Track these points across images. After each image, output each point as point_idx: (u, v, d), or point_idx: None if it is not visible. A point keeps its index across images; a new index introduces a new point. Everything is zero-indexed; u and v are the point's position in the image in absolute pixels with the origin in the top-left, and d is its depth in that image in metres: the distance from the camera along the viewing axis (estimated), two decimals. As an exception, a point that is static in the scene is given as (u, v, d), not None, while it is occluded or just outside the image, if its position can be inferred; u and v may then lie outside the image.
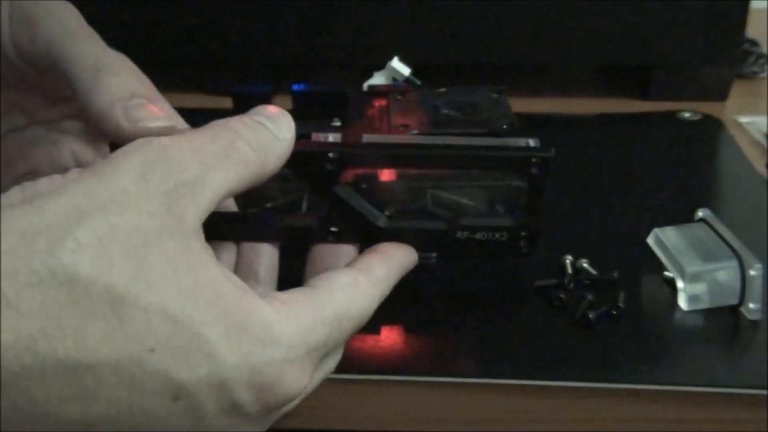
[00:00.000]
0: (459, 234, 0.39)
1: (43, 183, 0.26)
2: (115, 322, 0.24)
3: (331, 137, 0.35)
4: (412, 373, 0.39)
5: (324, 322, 0.29)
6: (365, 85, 0.59)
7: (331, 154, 0.35)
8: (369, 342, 0.40)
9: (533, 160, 0.37)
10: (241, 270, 0.36)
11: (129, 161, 0.27)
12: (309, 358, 0.29)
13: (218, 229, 0.35)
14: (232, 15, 0.64)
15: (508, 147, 0.37)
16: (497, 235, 0.39)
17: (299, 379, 0.28)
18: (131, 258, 0.25)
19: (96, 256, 0.24)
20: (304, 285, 0.32)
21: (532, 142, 0.38)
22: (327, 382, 0.39)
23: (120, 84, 0.32)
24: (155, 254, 0.25)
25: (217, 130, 0.30)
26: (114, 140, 0.31)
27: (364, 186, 0.45)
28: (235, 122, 0.30)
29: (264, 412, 0.28)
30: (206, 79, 0.66)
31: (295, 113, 0.54)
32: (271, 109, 0.32)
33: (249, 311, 0.27)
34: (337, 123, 0.52)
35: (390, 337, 0.41)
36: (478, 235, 0.39)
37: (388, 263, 0.34)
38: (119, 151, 0.27)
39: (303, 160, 0.34)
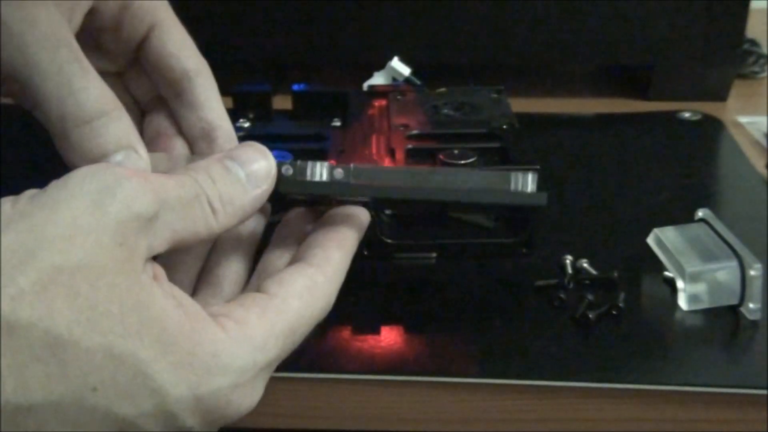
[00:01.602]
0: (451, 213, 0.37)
1: None
2: (56, 365, 0.24)
3: (318, 168, 0.34)
4: (412, 373, 0.39)
5: (277, 337, 0.29)
6: (365, 85, 0.59)
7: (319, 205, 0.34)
8: (369, 342, 0.40)
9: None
10: (206, 278, 0.34)
11: (83, 189, 0.26)
12: (260, 376, 0.29)
13: None
14: (232, 15, 0.64)
15: (502, 192, 0.35)
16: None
17: (249, 399, 0.28)
18: (75, 298, 0.25)
19: (37, 300, 0.24)
20: (260, 288, 0.31)
21: (530, 181, 0.36)
22: (327, 382, 0.39)
23: (90, 140, 0.30)
24: (101, 291, 0.25)
25: (185, 179, 0.29)
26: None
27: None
28: (203, 174, 0.29)
29: (213, 427, 0.28)
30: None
31: (295, 113, 0.54)
32: (251, 153, 0.31)
33: (197, 342, 0.27)
34: (337, 123, 0.52)
35: (390, 337, 0.41)
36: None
37: (344, 246, 0.33)
38: (77, 174, 0.26)
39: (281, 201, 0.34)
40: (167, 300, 0.27)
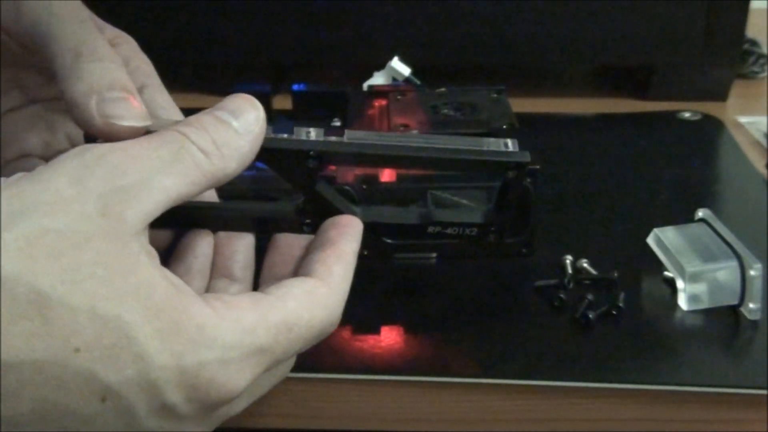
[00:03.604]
0: (431, 229, 0.39)
1: None
2: (40, 322, 0.24)
3: (313, 133, 0.35)
4: (412, 373, 0.39)
5: (269, 326, 0.29)
6: (365, 85, 0.59)
7: (311, 152, 0.34)
8: (369, 342, 0.40)
9: (509, 164, 0.37)
10: (217, 267, 0.35)
11: (65, 166, 0.27)
12: (248, 360, 0.28)
13: (191, 217, 0.35)
14: (232, 15, 0.64)
15: (485, 151, 0.37)
16: (467, 231, 0.39)
17: (234, 381, 0.28)
18: (59, 258, 0.25)
19: (22, 256, 0.24)
20: (259, 288, 0.31)
21: (510, 144, 0.38)
22: (328, 382, 0.39)
23: (100, 72, 0.31)
24: (86, 255, 0.25)
25: (167, 135, 0.29)
26: (85, 132, 0.31)
27: (364, 187, 0.45)
28: (188, 125, 0.30)
29: (200, 412, 0.28)
30: (206, 79, 0.66)
31: (295, 113, 0.54)
32: (238, 101, 0.32)
33: (183, 312, 0.27)
34: (337, 123, 0.52)
35: (390, 337, 0.41)
36: (450, 230, 0.39)
37: (345, 260, 0.33)
38: (59, 157, 0.27)
39: (280, 157, 0.34)
40: (155, 270, 0.27)
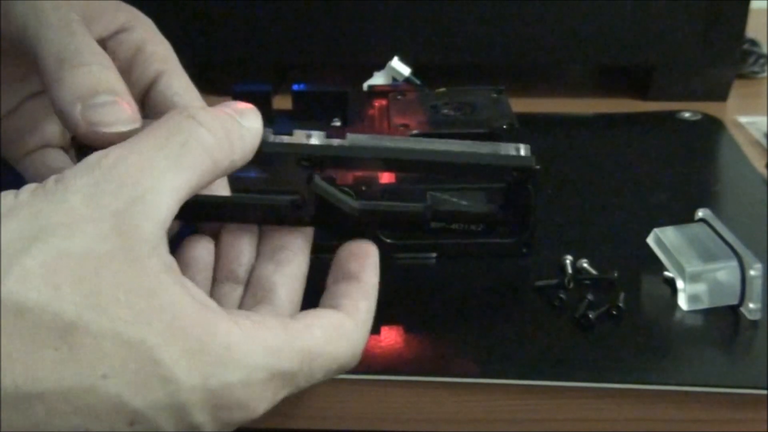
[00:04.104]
0: (434, 224, 0.38)
1: None
2: (66, 350, 0.24)
3: (314, 137, 0.35)
4: (412, 373, 0.39)
5: (293, 350, 0.29)
6: (365, 85, 0.59)
7: (304, 162, 0.34)
8: (369, 342, 0.40)
9: (513, 172, 0.37)
10: (221, 270, 0.35)
11: (77, 183, 0.26)
12: (271, 383, 0.28)
13: (194, 212, 0.35)
14: (232, 15, 0.64)
15: (488, 155, 0.36)
16: (472, 227, 0.38)
17: (257, 402, 0.28)
18: (81, 283, 0.25)
19: (44, 283, 0.24)
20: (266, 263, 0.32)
21: (522, 149, 0.37)
22: (328, 382, 0.39)
23: (83, 77, 0.30)
24: (106, 278, 0.25)
25: (173, 124, 0.29)
26: (73, 137, 0.31)
27: (363, 188, 0.45)
28: (197, 108, 0.30)
29: (222, 428, 0.28)
30: (207, 79, 0.66)
31: (295, 113, 0.54)
32: (240, 104, 0.32)
33: (209, 330, 0.27)
34: (337, 123, 0.52)
35: (390, 337, 0.41)
36: (454, 226, 0.38)
37: (369, 296, 0.34)
38: (69, 172, 0.27)
39: (275, 161, 0.34)
40: (177, 287, 0.27)
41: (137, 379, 0.25)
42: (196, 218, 0.36)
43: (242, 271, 0.35)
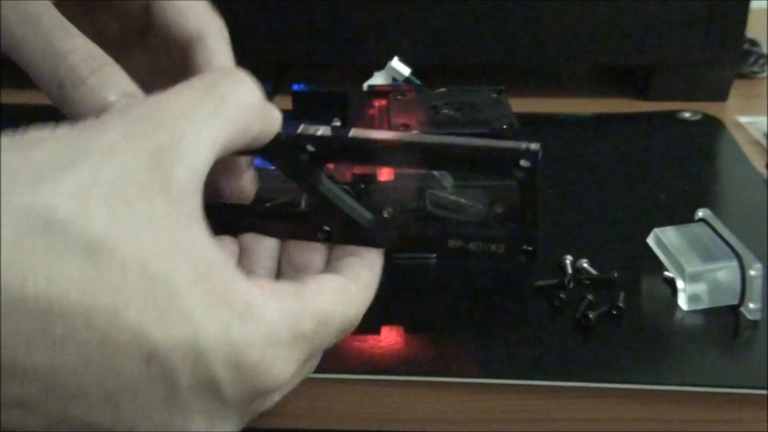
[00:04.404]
0: (452, 243, 0.37)
1: (33, 131, 0.26)
2: (90, 269, 0.24)
3: (321, 130, 0.35)
4: (412, 373, 0.39)
5: (312, 314, 0.28)
6: (365, 85, 0.59)
7: (309, 147, 0.34)
8: (369, 342, 0.40)
9: (520, 162, 0.36)
10: (243, 261, 0.35)
11: (117, 119, 0.26)
12: (295, 346, 0.28)
13: (223, 217, 0.35)
14: (232, 15, 0.64)
15: (490, 146, 0.36)
16: (493, 247, 0.37)
17: (283, 367, 0.27)
18: (113, 208, 0.24)
19: (76, 201, 0.24)
20: (288, 279, 0.31)
21: (533, 146, 0.36)
22: (327, 382, 0.39)
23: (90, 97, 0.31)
24: (139, 209, 0.25)
25: (213, 77, 0.29)
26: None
27: (362, 185, 0.45)
28: (236, 70, 0.30)
29: (242, 401, 0.27)
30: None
31: (295, 113, 0.54)
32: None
33: (232, 285, 0.26)
34: (337, 123, 0.52)
35: (390, 337, 0.41)
36: (472, 246, 0.37)
37: (372, 269, 0.34)
38: (108, 113, 0.27)
39: (280, 148, 0.34)
40: (206, 236, 0.26)
41: (158, 314, 0.24)
42: (222, 229, 0.36)
43: (264, 261, 0.35)
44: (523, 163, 0.34)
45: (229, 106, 0.28)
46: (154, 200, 0.25)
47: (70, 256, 0.23)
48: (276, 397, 0.30)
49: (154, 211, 0.25)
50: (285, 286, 0.29)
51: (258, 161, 0.40)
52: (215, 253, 0.26)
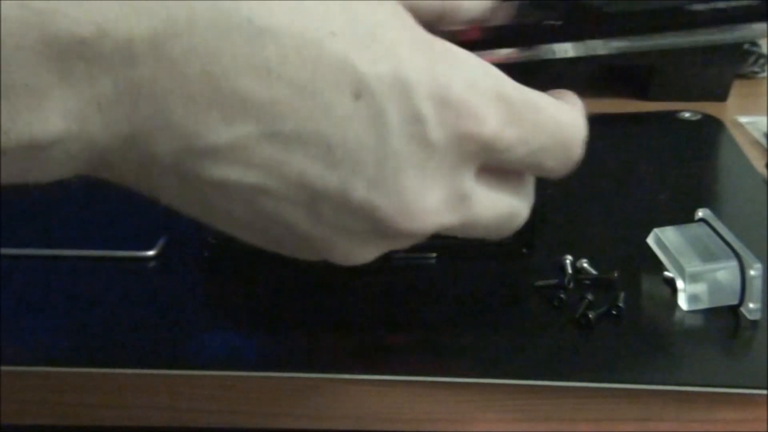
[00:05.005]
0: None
1: None
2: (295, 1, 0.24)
3: None
4: (412, 373, 0.39)
5: (516, 87, 0.27)
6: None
7: None
8: (369, 342, 0.40)
9: None
10: None
11: None
12: (499, 104, 0.26)
13: None
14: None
15: None
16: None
17: (486, 112, 0.26)
18: None
19: None
20: None
21: None
22: (327, 382, 0.39)
23: None
24: None
25: None
26: None
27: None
28: None
29: (449, 146, 0.26)
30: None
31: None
32: None
33: (430, 37, 0.26)
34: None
35: (390, 337, 0.41)
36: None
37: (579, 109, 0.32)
38: None
39: None
40: (405, 13, 0.26)
41: (364, 44, 0.24)
42: None
43: None
44: None
45: None
46: None
47: None
48: (446, 216, 0.28)
49: None
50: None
51: None
52: (409, 16, 0.26)
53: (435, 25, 0.30)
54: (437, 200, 0.27)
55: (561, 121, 0.29)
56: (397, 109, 0.25)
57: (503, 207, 0.30)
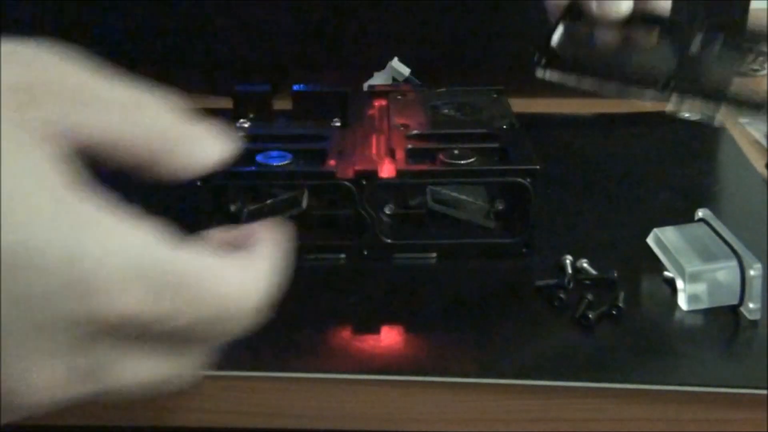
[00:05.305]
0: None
1: None
2: None
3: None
4: (412, 373, 0.39)
5: (166, 260, 0.25)
6: (365, 85, 0.59)
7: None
8: (369, 342, 0.40)
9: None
10: None
11: None
12: (140, 278, 0.24)
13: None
14: (233, 15, 0.64)
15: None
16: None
17: (127, 293, 0.24)
18: None
19: None
20: None
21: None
22: (327, 382, 0.39)
23: None
24: None
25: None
26: None
27: (364, 182, 0.45)
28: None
29: (71, 324, 0.24)
30: (206, 79, 0.66)
31: (295, 113, 0.54)
32: None
33: (81, 196, 0.24)
34: (337, 123, 0.52)
35: (390, 337, 0.41)
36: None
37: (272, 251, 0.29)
38: None
39: None
40: (57, 168, 0.24)
41: None
42: None
43: None
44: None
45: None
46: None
47: None
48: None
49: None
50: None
51: (259, 157, 0.41)
52: (63, 172, 0.24)
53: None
54: (57, 376, 0.25)
55: (220, 294, 0.26)
56: (12, 284, 0.23)
57: (148, 375, 0.27)
